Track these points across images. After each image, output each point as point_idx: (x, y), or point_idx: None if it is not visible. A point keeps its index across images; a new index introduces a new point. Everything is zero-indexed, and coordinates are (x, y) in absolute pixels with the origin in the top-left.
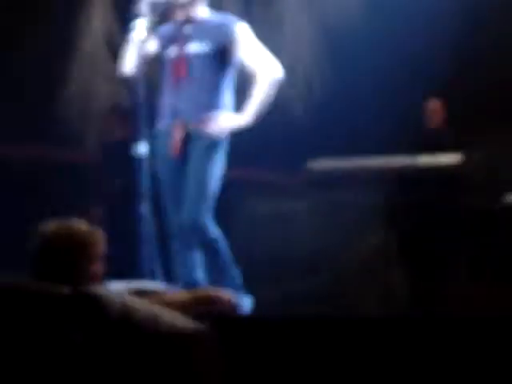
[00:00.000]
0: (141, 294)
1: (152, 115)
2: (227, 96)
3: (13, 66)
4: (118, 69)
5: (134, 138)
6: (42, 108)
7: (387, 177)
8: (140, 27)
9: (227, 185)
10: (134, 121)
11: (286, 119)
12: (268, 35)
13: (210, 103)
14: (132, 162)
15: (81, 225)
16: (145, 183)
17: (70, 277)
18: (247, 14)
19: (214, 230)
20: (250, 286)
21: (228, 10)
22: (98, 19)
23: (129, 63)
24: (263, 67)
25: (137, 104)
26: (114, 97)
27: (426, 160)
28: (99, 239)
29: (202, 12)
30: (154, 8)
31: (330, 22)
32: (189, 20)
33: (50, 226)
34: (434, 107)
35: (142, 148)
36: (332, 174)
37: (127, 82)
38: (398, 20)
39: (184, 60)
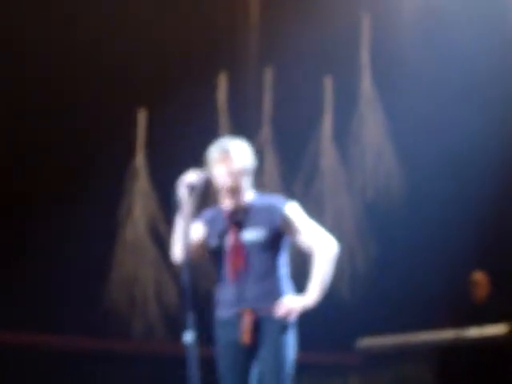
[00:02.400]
0: None
1: (197, 303)
2: (286, 277)
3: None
4: (162, 255)
5: (184, 326)
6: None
7: (437, 350)
8: (184, 212)
9: None
10: (183, 308)
11: (332, 298)
12: (310, 214)
13: (273, 287)
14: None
15: None
16: (194, 371)
17: None
18: (289, 194)
19: None
20: None
21: (270, 190)
22: (139, 207)
23: (176, 250)
24: (320, 245)
25: (185, 291)
26: (159, 283)
27: (472, 332)
28: None
29: (249, 196)
30: (193, 190)
31: (370, 196)
32: (238, 206)
33: None
34: (479, 280)
35: (189, 336)
36: (383, 351)
37: (177, 269)
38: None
39: (241, 248)
